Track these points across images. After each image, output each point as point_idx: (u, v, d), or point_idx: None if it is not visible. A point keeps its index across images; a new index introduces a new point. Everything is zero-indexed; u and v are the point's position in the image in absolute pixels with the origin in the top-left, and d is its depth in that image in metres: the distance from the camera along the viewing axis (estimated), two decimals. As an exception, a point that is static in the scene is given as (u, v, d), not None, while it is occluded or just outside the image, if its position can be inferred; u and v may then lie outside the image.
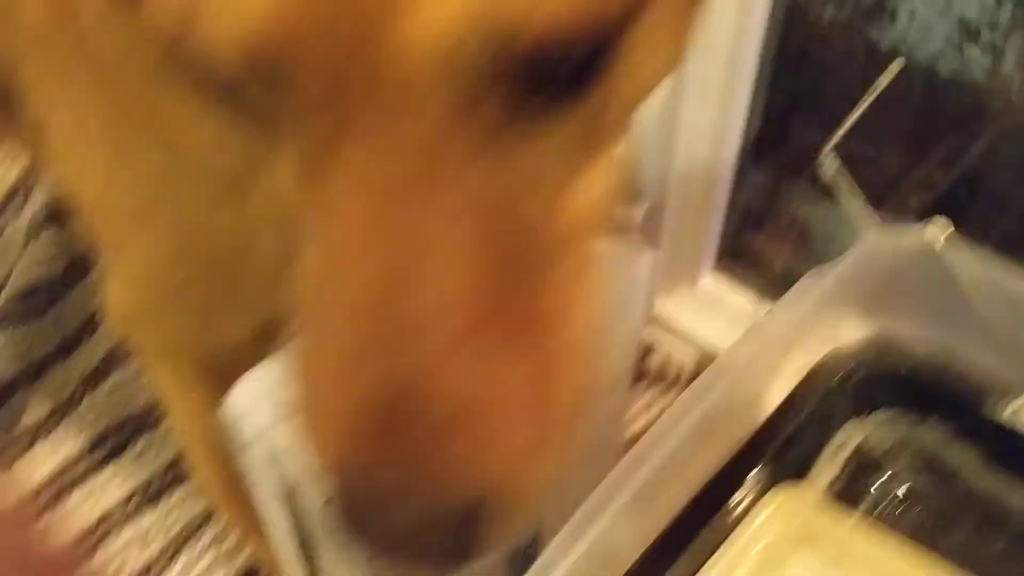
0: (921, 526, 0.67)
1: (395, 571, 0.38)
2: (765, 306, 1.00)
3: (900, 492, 0.68)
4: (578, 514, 0.57)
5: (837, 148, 0.79)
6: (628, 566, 0.59)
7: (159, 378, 0.74)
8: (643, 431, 1.00)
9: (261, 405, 0.52)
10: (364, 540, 0.35)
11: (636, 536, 0.59)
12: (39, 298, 1.09)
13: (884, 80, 0.77)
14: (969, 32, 0.81)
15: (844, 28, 0.86)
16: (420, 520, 0.34)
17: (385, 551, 0.35)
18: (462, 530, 0.35)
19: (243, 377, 0.53)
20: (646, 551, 0.60)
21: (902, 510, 0.68)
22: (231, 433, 0.54)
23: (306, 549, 0.63)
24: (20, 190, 1.16)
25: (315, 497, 0.52)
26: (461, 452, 0.33)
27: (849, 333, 0.67)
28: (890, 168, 0.92)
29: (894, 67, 0.77)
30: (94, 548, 0.98)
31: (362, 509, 0.34)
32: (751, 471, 0.64)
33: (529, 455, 0.35)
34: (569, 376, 0.36)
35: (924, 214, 0.85)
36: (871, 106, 0.83)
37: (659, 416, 1.02)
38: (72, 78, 0.55)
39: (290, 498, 0.57)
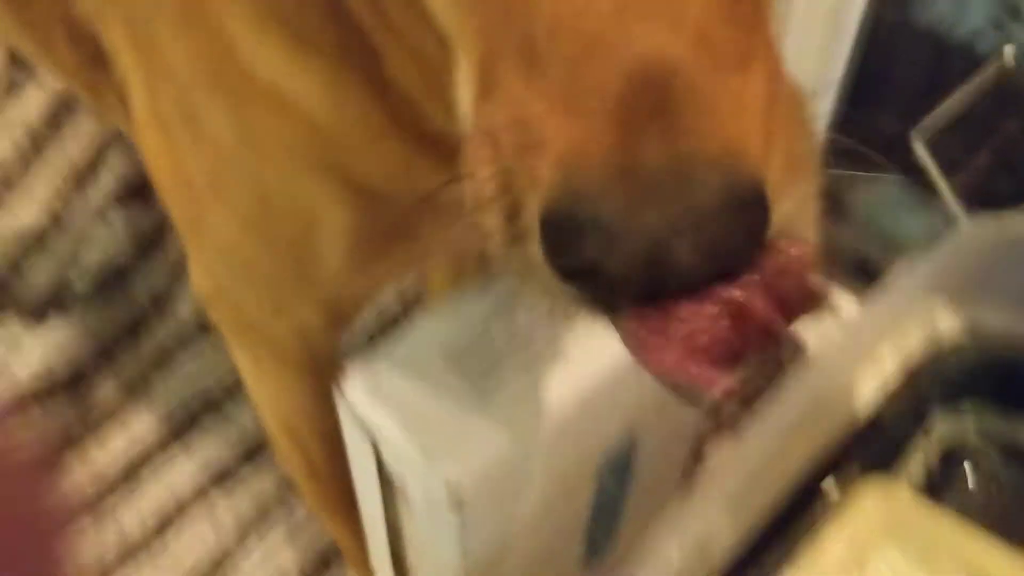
0: (1010, 519, 0.66)
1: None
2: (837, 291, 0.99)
3: (989, 485, 0.68)
4: (674, 507, 0.57)
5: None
6: (722, 557, 0.59)
7: (239, 358, 0.74)
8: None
9: (375, 394, 0.52)
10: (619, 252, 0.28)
11: (730, 529, 0.59)
12: (109, 279, 1.09)
13: (988, 73, 0.76)
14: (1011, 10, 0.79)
15: (881, 3, 0.85)
16: (692, 208, 0.28)
17: (651, 258, 0.28)
18: (739, 215, 0.29)
19: (356, 366, 0.53)
20: (739, 544, 0.59)
21: (990, 503, 0.67)
22: (343, 420, 0.55)
23: (395, 542, 0.63)
24: (89, 169, 1.16)
25: (417, 489, 0.52)
26: (727, 141, 0.29)
27: (943, 324, 0.66)
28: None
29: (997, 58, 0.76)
30: (165, 528, 0.99)
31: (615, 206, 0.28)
32: (842, 463, 0.64)
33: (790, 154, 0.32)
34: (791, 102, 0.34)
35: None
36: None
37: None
38: (149, 41, 0.55)
39: (387, 488, 0.57)
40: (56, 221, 1.13)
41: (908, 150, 0.87)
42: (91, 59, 0.64)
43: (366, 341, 0.93)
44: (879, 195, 0.93)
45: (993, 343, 0.65)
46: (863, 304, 0.66)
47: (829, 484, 0.64)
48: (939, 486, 0.67)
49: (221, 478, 0.99)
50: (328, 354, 0.68)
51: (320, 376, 0.66)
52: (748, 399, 0.38)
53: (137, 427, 1.02)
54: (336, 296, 0.64)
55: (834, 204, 1.06)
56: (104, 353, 1.06)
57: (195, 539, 0.96)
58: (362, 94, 0.49)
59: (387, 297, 0.98)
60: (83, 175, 1.14)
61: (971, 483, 0.67)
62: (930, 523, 0.65)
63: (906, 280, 0.67)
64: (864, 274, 1.08)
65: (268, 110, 0.52)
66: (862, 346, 0.65)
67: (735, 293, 0.31)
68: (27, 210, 1.12)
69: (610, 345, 0.59)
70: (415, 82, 0.47)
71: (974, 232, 0.68)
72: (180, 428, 1.02)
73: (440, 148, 0.48)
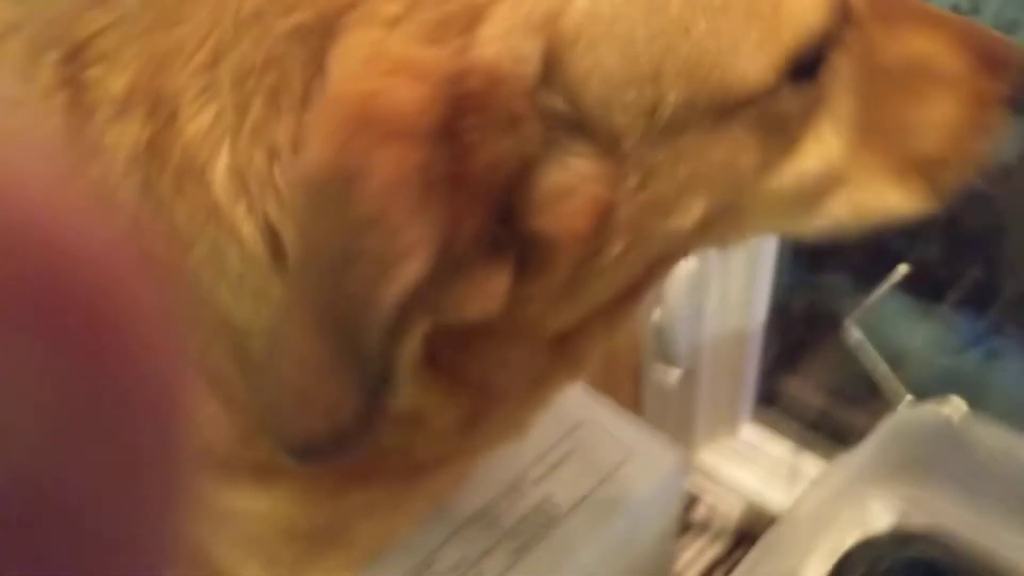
0: None
1: None
2: (802, 453, 1.04)
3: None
4: None
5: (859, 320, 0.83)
6: None
7: None
8: (693, 582, 1.04)
9: None
10: None
11: None
12: None
13: (900, 271, 0.82)
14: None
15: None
16: None
17: None
18: None
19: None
20: None
21: None
22: None
23: None
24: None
25: None
26: None
27: (877, 513, 0.71)
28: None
29: (901, 269, 0.82)
30: None
31: None
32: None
33: None
34: None
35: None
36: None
37: (707, 565, 1.06)
38: None
39: None
40: None
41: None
42: None
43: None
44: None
45: (920, 537, 0.70)
46: (802, 498, 0.71)
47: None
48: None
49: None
50: None
51: None
52: None
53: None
54: None
55: (824, 373, 1.11)
56: None
57: None
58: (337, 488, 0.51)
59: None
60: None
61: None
62: None
63: (841, 472, 0.71)
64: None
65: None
66: (800, 539, 0.69)
67: None
68: None
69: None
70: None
71: (901, 422, 0.73)
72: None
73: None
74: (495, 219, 0.36)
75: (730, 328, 0.98)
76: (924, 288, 1.01)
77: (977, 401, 1.02)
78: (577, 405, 0.70)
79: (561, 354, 0.47)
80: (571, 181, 0.38)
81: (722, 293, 0.94)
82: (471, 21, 0.35)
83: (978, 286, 0.98)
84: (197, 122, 0.38)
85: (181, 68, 0.38)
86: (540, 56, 0.35)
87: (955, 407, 0.70)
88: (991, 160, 0.47)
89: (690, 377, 1.01)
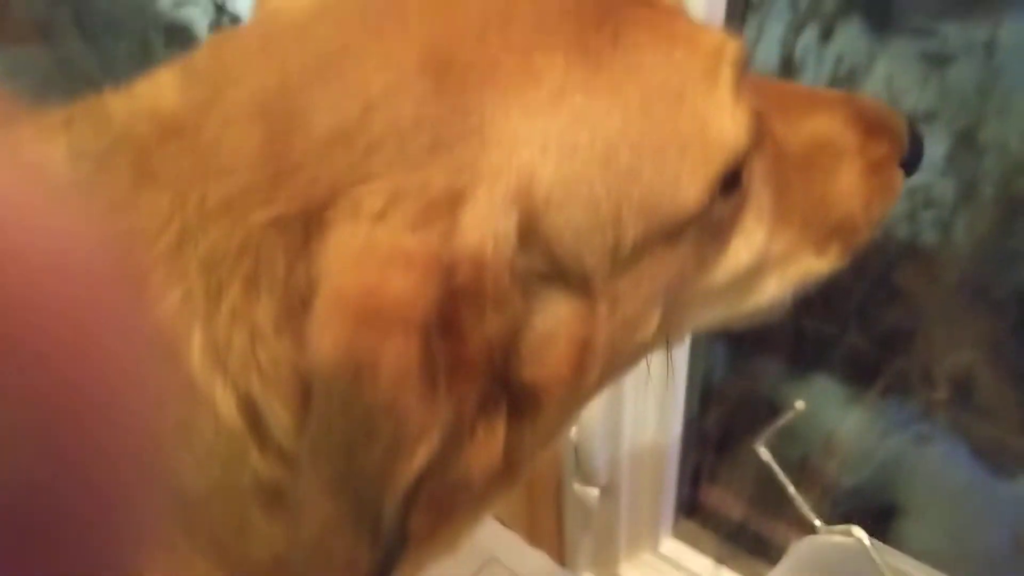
0: None
1: None
2: (723, 567, 1.04)
3: None
4: None
5: (767, 441, 0.84)
6: None
7: None
8: None
9: None
10: None
11: None
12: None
13: (799, 406, 0.83)
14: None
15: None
16: None
17: None
18: None
19: None
20: None
21: None
22: None
23: None
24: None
25: None
26: None
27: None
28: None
29: (798, 405, 0.84)
30: None
31: None
32: None
33: None
34: None
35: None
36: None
37: None
38: None
39: None
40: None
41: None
42: None
43: None
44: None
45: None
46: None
47: None
48: None
49: None
50: None
51: None
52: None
53: None
54: None
55: (744, 486, 1.12)
56: None
57: None
58: None
59: None
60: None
61: None
62: None
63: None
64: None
65: None
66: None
67: None
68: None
69: None
70: None
71: (811, 547, 0.74)
72: None
73: None
74: (491, 383, 0.39)
75: (648, 443, 1.00)
76: (854, 376, 1.03)
77: (907, 483, 1.04)
78: (487, 535, 0.70)
79: (506, 469, 0.49)
80: (553, 328, 0.42)
81: (638, 409, 0.95)
82: (452, 204, 0.37)
83: (905, 374, 1.00)
84: (167, 303, 0.39)
85: (143, 253, 0.39)
86: (517, 228, 0.39)
87: (859, 536, 0.71)
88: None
89: (610, 493, 1.01)
